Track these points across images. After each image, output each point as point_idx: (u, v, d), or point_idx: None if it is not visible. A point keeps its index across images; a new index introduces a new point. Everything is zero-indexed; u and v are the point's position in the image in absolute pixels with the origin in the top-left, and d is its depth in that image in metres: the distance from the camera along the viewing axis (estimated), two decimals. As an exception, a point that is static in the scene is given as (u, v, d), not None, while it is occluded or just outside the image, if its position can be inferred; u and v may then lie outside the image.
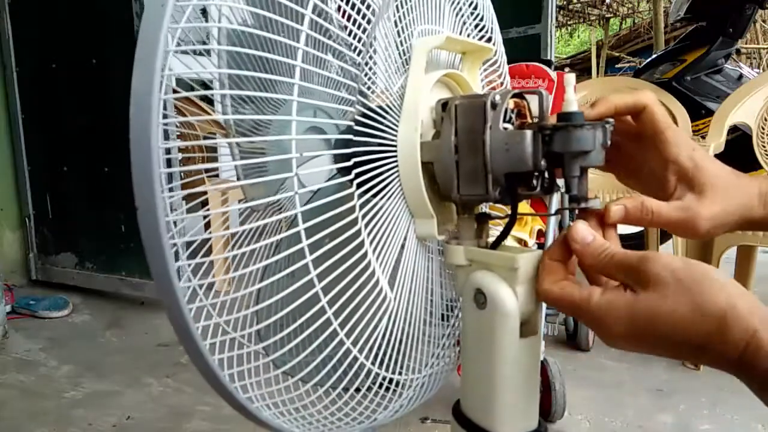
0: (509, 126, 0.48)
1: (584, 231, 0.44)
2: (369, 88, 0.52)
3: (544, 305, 1.28)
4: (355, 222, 0.49)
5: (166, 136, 0.37)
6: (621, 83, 2.48)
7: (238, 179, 0.71)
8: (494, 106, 0.47)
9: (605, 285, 0.43)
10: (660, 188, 0.51)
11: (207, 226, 0.79)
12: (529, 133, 0.46)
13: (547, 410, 1.32)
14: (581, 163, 0.44)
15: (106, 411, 1.43)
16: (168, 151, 0.48)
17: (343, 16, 0.51)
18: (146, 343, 1.90)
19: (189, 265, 0.48)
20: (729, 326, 0.36)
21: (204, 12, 0.62)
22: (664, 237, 2.48)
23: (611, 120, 0.46)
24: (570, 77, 0.46)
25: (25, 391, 1.55)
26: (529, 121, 0.49)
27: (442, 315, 0.65)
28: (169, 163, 0.51)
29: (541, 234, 1.50)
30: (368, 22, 0.51)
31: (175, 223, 0.47)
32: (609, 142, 0.45)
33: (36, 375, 1.65)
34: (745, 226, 0.51)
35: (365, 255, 0.49)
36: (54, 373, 1.66)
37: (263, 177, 0.54)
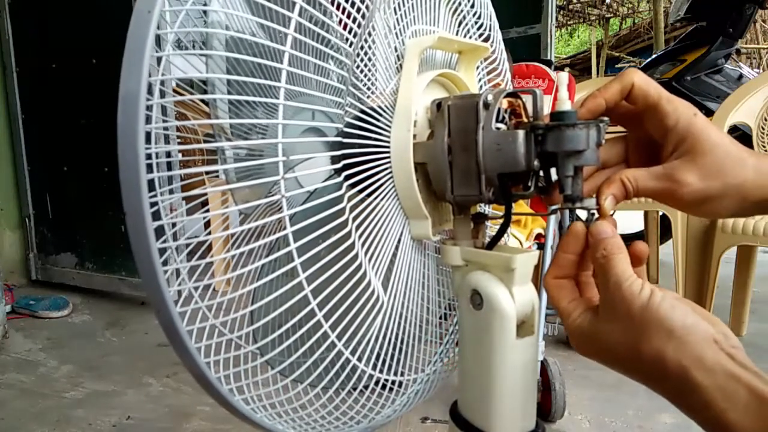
0: (502, 126, 0.47)
1: (603, 225, 0.43)
2: (360, 90, 0.52)
3: (543, 305, 1.29)
4: (345, 223, 0.49)
5: (167, 140, 0.37)
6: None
7: (228, 182, 0.71)
8: (486, 105, 0.47)
9: (589, 301, 0.45)
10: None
11: (207, 227, 0.80)
12: (521, 133, 0.45)
13: (547, 410, 1.32)
14: (575, 162, 0.44)
15: (106, 411, 1.43)
16: (163, 155, 0.48)
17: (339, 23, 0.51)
18: (146, 343, 1.90)
19: (184, 268, 0.48)
20: (666, 375, 0.38)
21: (205, 13, 0.62)
22: (665, 236, 2.48)
23: (606, 118, 0.46)
24: (562, 76, 0.45)
25: (25, 391, 1.55)
26: (525, 120, 0.49)
27: (444, 315, 0.65)
28: (169, 167, 0.52)
29: (540, 236, 1.50)
30: (358, 24, 0.51)
31: (173, 224, 0.47)
32: (603, 141, 0.45)
33: (36, 375, 1.65)
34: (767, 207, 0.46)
35: (356, 256, 0.49)
36: (54, 373, 1.66)
37: (260, 179, 0.54)
